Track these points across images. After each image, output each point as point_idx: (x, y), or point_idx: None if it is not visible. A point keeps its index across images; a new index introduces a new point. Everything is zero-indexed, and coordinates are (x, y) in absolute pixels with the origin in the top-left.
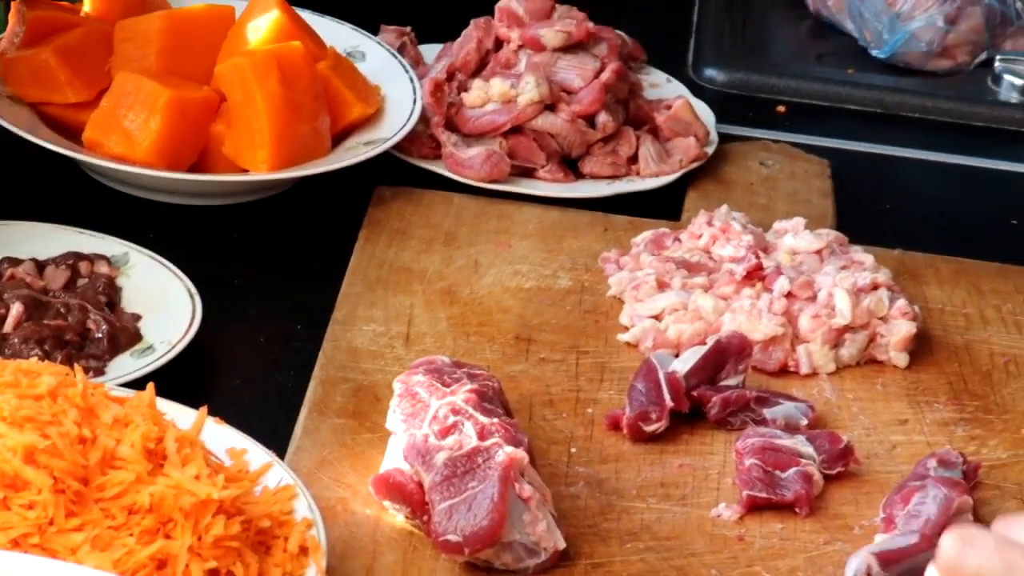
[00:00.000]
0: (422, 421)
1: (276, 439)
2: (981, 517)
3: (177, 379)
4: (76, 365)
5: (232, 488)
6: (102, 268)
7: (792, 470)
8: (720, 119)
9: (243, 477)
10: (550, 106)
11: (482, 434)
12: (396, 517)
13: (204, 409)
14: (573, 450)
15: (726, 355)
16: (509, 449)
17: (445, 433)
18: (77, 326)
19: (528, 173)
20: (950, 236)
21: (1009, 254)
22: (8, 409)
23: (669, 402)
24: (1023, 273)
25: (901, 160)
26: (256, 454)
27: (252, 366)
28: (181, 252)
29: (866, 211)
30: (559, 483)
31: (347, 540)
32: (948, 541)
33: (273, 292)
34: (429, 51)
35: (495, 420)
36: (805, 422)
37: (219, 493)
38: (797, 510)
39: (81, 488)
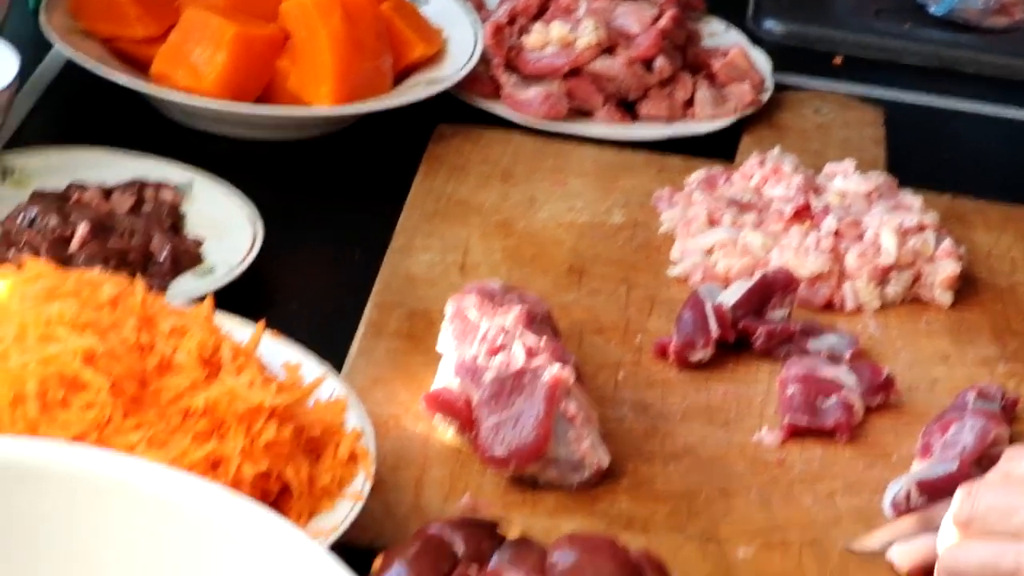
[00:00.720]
0: (472, 341)
1: (331, 359)
2: None
3: (237, 300)
4: (137, 275)
5: (284, 396)
6: (167, 194)
7: (833, 398)
8: (777, 69)
9: (296, 387)
10: (608, 50)
11: (530, 354)
12: (445, 433)
13: (262, 323)
14: (620, 375)
15: (772, 289)
16: (555, 368)
17: (494, 352)
18: (141, 247)
19: (585, 114)
20: (1000, 186)
21: None
22: (70, 315)
23: (715, 332)
24: None
25: (955, 113)
26: (311, 369)
27: (311, 290)
28: (244, 183)
29: (918, 160)
30: (606, 406)
31: (398, 453)
32: (959, 495)
33: (334, 222)
34: None
35: (543, 340)
36: (848, 354)
37: (271, 400)
38: (837, 437)
39: (138, 391)
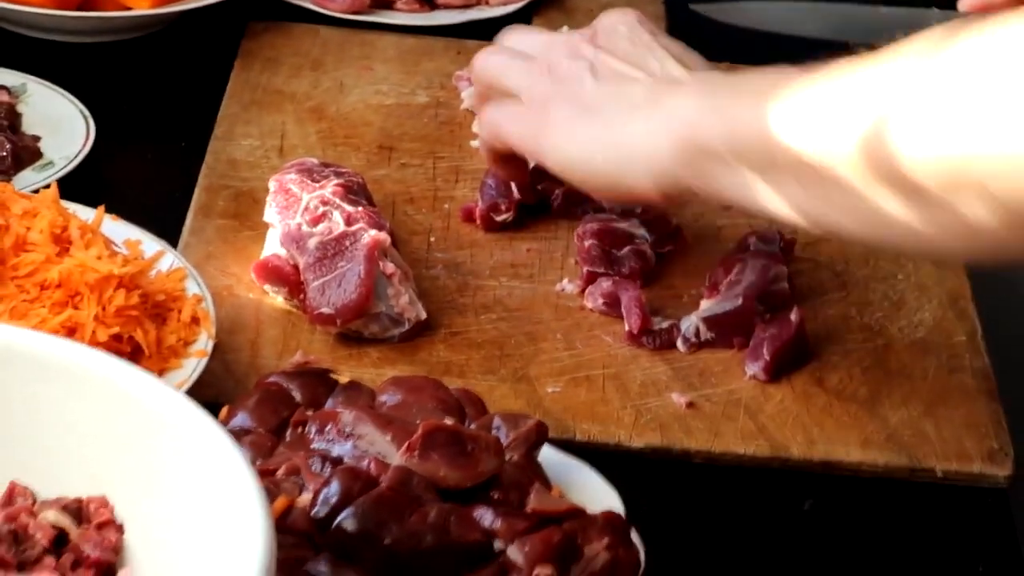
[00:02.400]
0: (295, 212)
1: (166, 239)
2: (797, 286)
3: (77, 191)
4: None
5: (130, 266)
6: (2, 96)
7: (626, 248)
8: None
9: (139, 260)
10: None
11: (349, 220)
12: (276, 299)
13: (102, 207)
14: (432, 239)
15: None
16: (373, 232)
17: (316, 221)
18: None
19: (387, 5)
20: None
21: None
22: None
23: (517, 195)
24: None
25: None
26: (150, 245)
27: (142, 179)
28: (73, 84)
29: None
30: (420, 267)
31: (233, 319)
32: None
33: (159, 116)
34: None
35: (360, 208)
36: (639, 209)
37: (119, 269)
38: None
39: None
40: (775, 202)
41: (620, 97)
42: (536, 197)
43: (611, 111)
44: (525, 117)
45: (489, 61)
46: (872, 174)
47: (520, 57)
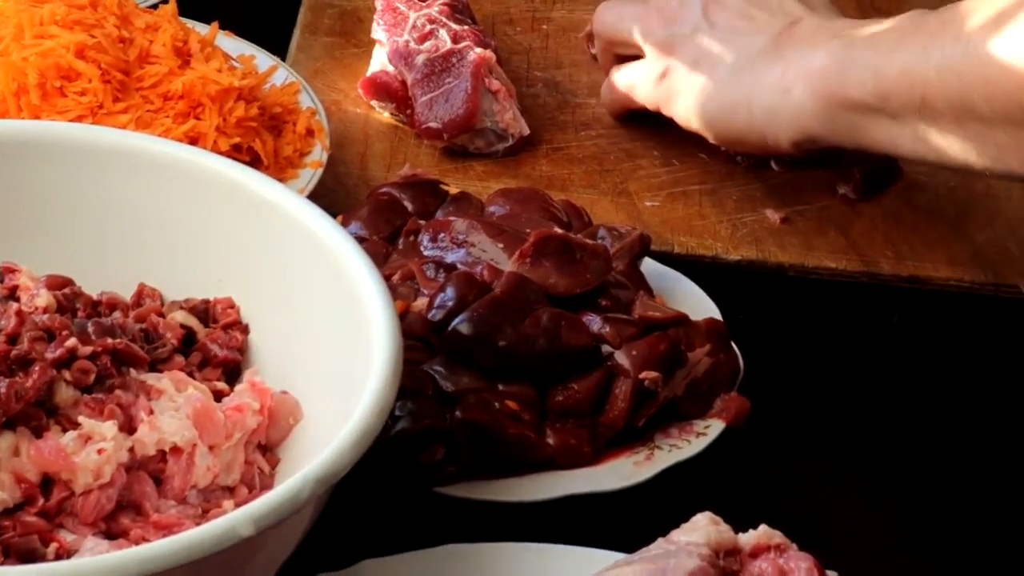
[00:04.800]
0: (403, 30)
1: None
2: None
3: (188, 8)
4: None
5: (248, 79)
6: None
7: None
8: None
9: (255, 74)
10: None
11: (455, 38)
12: (383, 114)
13: (215, 23)
14: (532, 59)
15: None
16: (479, 50)
17: (423, 39)
18: None
19: None
20: None
21: None
22: (60, 14)
23: None
24: None
25: None
26: (263, 61)
27: None
28: None
29: None
30: (521, 85)
31: (342, 133)
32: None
33: None
34: None
35: (465, 27)
36: None
37: (239, 82)
38: None
39: (124, 78)
40: (932, 147)
41: (740, 46)
42: None
43: (735, 63)
44: (651, 78)
45: (605, 16)
46: None
47: (633, 5)
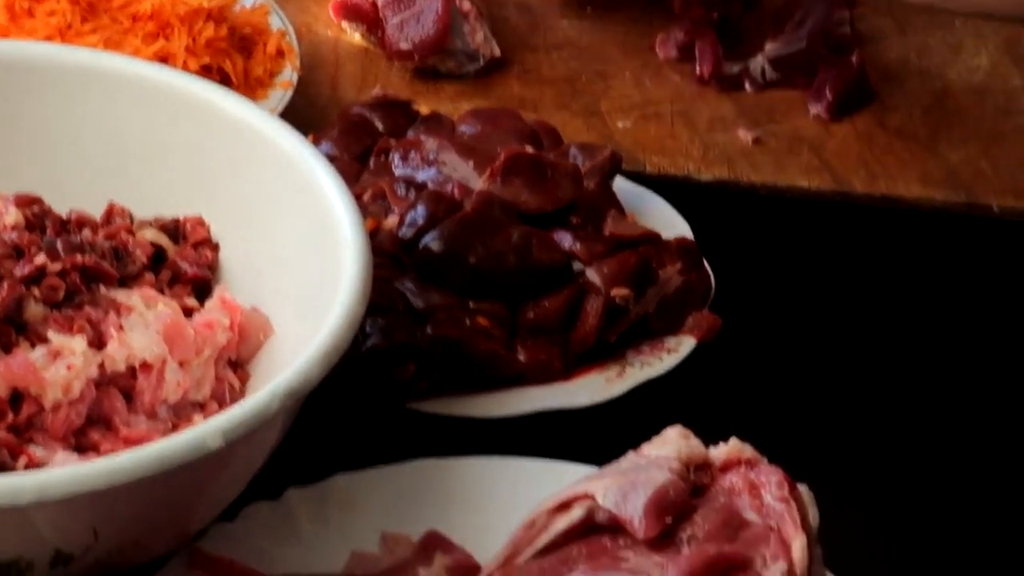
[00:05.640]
0: None
1: None
2: (858, 31)
3: None
4: None
5: (218, 0)
6: None
7: None
8: None
9: None
10: None
11: None
12: (354, 36)
13: None
14: None
15: None
16: None
17: None
18: None
19: None
20: None
21: None
22: None
23: None
24: None
25: None
26: None
27: None
28: None
29: None
30: (492, 7)
31: (313, 55)
32: None
33: None
34: None
35: None
36: None
37: (208, 3)
38: None
39: (92, 0)
40: None
41: None
42: None
43: None
44: None
45: None
46: None
47: None
